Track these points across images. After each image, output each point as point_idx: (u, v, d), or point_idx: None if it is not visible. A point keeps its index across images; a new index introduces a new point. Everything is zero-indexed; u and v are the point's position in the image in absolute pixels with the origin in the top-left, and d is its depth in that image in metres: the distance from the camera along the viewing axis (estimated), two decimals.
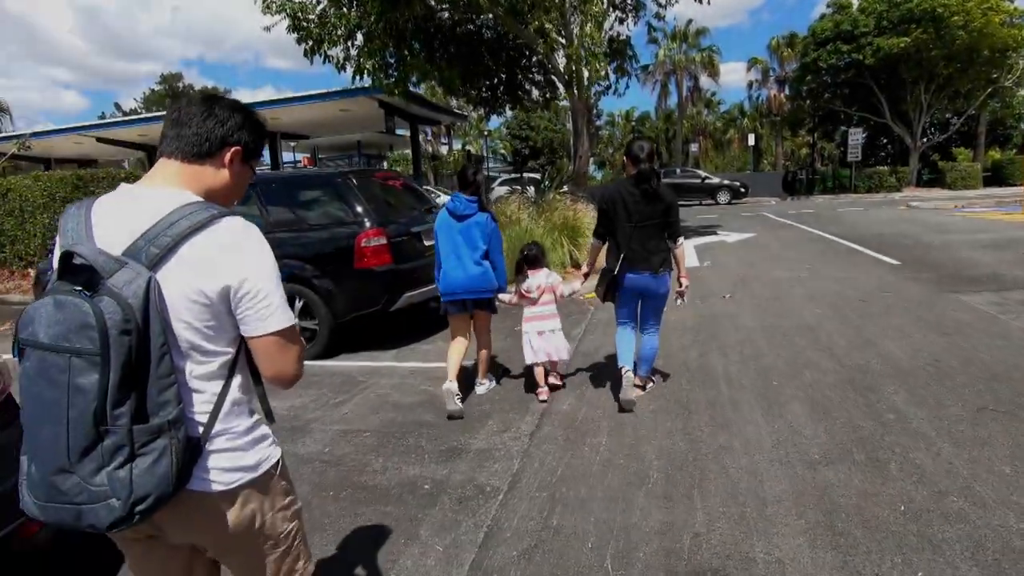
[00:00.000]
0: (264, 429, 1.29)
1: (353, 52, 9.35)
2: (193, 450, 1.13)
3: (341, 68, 9.18)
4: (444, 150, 39.41)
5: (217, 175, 1.24)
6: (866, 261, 8.43)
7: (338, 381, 4.79)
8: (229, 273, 1.12)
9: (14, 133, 15.57)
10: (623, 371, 3.75)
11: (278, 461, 1.30)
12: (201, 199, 1.18)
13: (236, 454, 1.20)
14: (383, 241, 5.40)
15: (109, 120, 15.13)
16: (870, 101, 26.72)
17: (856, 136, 25.72)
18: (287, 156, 26.47)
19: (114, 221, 1.12)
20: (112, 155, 19.54)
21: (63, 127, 15.26)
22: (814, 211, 18.26)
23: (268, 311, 1.17)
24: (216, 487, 1.17)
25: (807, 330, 5.13)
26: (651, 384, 4.06)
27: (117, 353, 1.00)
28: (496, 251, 4.04)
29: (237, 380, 1.22)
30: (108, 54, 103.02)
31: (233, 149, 1.24)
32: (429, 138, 40.24)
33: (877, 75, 25.09)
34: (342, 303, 5.44)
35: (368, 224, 5.38)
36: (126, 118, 15.06)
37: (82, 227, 1.12)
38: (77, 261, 1.04)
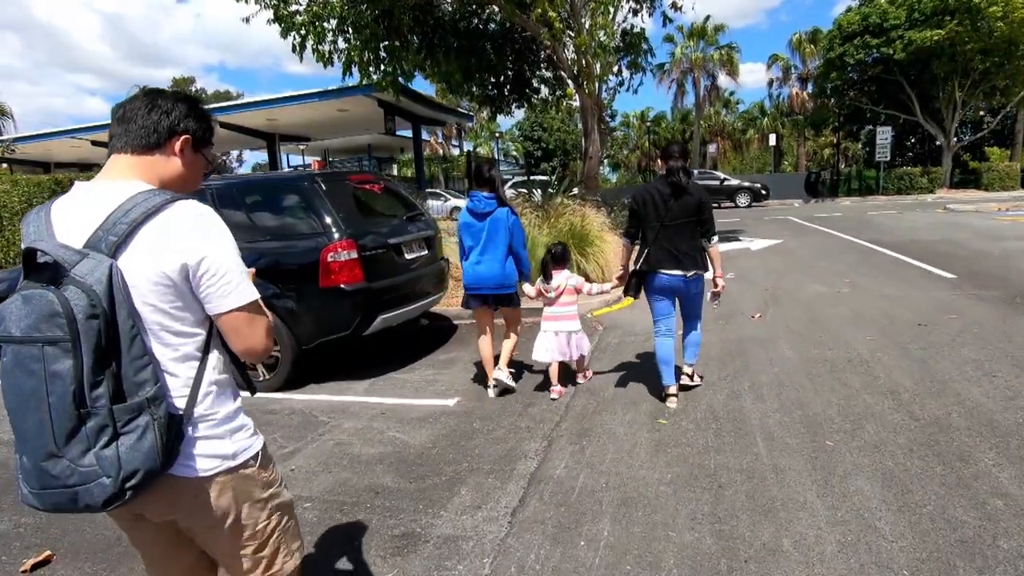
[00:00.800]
0: (244, 419, 1.31)
1: (343, 45, 8.61)
2: (177, 426, 1.16)
3: (328, 63, 8.45)
4: (456, 152, 38.77)
5: (169, 164, 1.27)
6: (914, 274, 7.45)
7: (295, 422, 4.03)
8: (186, 253, 1.14)
9: (2, 138, 15.11)
10: (667, 391, 3.76)
11: (258, 452, 1.32)
12: (153, 187, 1.21)
13: (215, 442, 1.23)
14: (353, 255, 4.63)
15: (101, 123, 14.56)
16: (899, 98, 25.41)
17: (884, 135, 24.50)
18: (296, 159, 26.08)
19: (73, 217, 1.15)
20: None
21: (55, 130, 14.79)
22: (842, 214, 17.18)
23: (229, 287, 1.19)
24: (193, 472, 1.20)
25: (860, 364, 4.23)
26: (697, 375, 4.09)
27: (87, 337, 1.04)
28: (519, 243, 4.12)
29: (212, 362, 1.25)
30: (133, 61, 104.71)
31: (182, 137, 1.27)
32: (440, 140, 39.63)
33: (907, 71, 23.81)
34: (307, 327, 4.68)
35: (336, 235, 4.61)
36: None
37: (43, 227, 1.15)
38: (41, 259, 1.08)
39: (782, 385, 3.95)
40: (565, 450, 3.29)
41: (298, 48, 8.25)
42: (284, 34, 8.07)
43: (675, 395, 3.73)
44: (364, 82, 9.15)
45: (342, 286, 4.58)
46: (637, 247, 3.83)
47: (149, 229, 1.13)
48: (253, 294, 1.24)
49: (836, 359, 4.37)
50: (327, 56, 8.45)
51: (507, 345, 4.27)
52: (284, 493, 1.41)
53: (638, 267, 3.71)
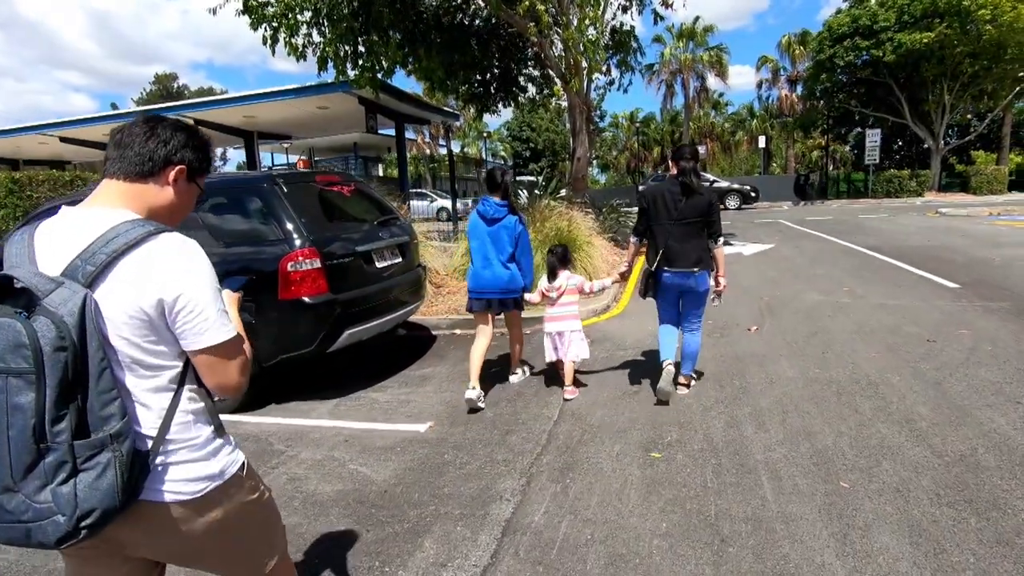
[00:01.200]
0: (224, 437, 1.30)
1: (318, 39, 8.15)
2: (142, 463, 1.13)
3: (301, 57, 7.99)
4: (443, 151, 38.29)
5: (161, 193, 1.25)
6: (915, 282, 7.15)
7: (248, 451, 3.61)
8: (164, 288, 1.12)
9: None
10: (664, 364, 3.83)
11: (243, 464, 1.33)
12: (139, 217, 1.19)
13: (199, 464, 1.22)
14: (316, 264, 4.23)
15: (71, 118, 13.92)
16: (888, 101, 25.37)
17: (874, 138, 24.43)
18: (281, 157, 25.49)
19: (55, 243, 1.13)
20: (86, 156, 18.47)
21: (20, 126, 14.14)
22: (833, 217, 16.98)
23: (205, 325, 1.17)
24: (181, 497, 1.19)
25: (869, 387, 3.88)
26: (694, 382, 4.04)
27: (52, 371, 1.01)
28: (523, 252, 4.16)
29: (188, 392, 1.22)
30: (120, 58, 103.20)
31: (177, 168, 1.26)
32: (428, 139, 39.13)
33: (896, 73, 23.75)
34: (265, 344, 4.25)
35: (298, 242, 4.21)
36: (89, 116, 13.81)
37: (24, 252, 1.13)
38: (17, 284, 1.05)
39: (785, 411, 3.59)
40: (546, 490, 2.91)
41: (269, 41, 7.78)
42: (254, 26, 7.59)
43: (672, 366, 3.80)
44: (340, 79, 8.70)
45: (304, 298, 4.18)
46: (644, 246, 3.94)
47: (129, 261, 1.10)
48: (229, 333, 1.21)
49: (842, 380, 4.02)
50: (300, 50, 7.99)
51: (515, 348, 4.50)
52: (266, 490, 1.43)
53: (651, 267, 3.77)
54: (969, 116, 27.91)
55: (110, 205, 1.19)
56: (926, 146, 26.43)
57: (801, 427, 3.36)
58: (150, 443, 1.15)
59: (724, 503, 2.66)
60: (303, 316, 4.22)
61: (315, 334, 4.29)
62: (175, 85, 45.18)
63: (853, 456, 2.98)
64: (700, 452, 3.16)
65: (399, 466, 3.29)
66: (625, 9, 11.07)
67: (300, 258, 4.17)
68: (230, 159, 46.05)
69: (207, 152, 1.34)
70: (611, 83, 11.62)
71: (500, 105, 12.88)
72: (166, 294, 1.12)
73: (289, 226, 4.26)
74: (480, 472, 3.14)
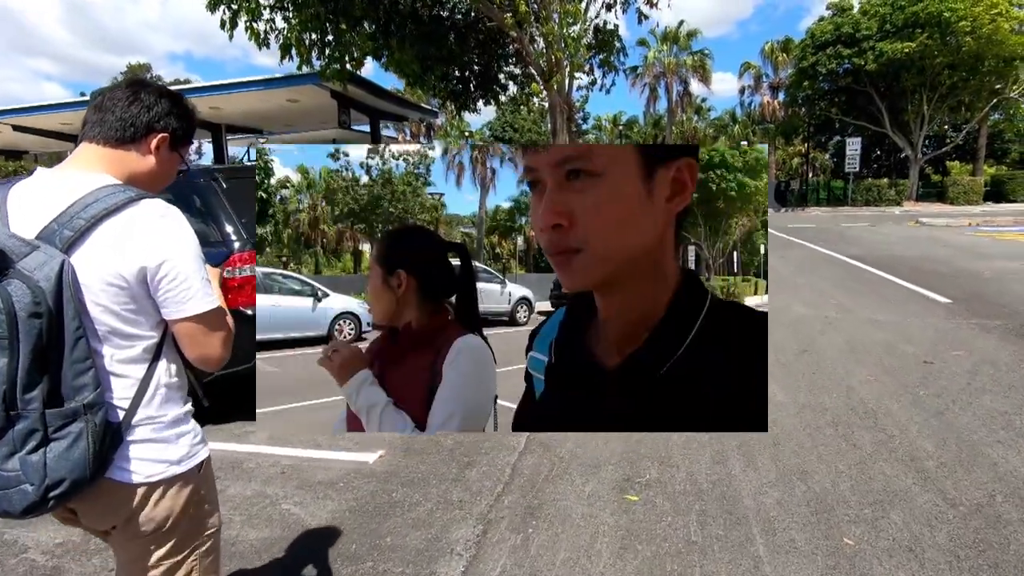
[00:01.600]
0: (193, 424, 1.26)
1: (281, 24, 7.64)
2: (113, 435, 1.10)
3: (264, 44, 7.46)
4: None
5: (142, 161, 1.21)
6: (905, 296, 6.89)
7: None
8: (146, 255, 1.08)
9: None
10: None
11: (203, 462, 1.26)
12: (119, 182, 1.14)
13: (160, 446, 1.17)
14: (258, 270, 3.76)
15: (21, 106, 13.07)
16: (868, 110, 25.55)
17: (854, 146, 24.55)
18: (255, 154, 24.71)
19: (30, 205, 1.09)
20: (45, 147, 17.59)
21: None
22: (815, 226, 16.89)
23: (188, 294, 1.13)
24: (136, 478, 1.14)
25: (866, 415, 3.54)
26: None
27: (26, 337, 0.97)
28: None
29: (162, 365, 1.18)
30: (95, 47, 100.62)
31: (160, 135, 1.21)
32: (408, 138, 38.52)
33: (877, 82, 23.91)
34: None
35: (237, 245, 3.75)
36: (40, 103, 12.95)
37: None
38: None
39: (777, 444, 3.23)
40: (505, 541, 2.49)
41: (228, 25, 7.23)
42: (211, 7, 7.04)
43: None
44: (304, 69, 8.19)
45: (242, 309, 3.72)
46: None
47: (108, 227, 1.05)
48: (213, 303, 1.16)
49: (837, 408, 3.68)
50: (262, 36, 7.46)
51: None
52: (217, 517, 1.33)
53: None
54: (946, 127, 28.28)
55: (89, 169, 1.13)
56: (903, 155, 26.68)
57: (795, 465, 2.99)
58: (121, 415, 1.11)
59: (711, 564, 2.26)
60: (241, 329, 3.75)
61: (255, 349, 3.83)
62: (148, 76, 43.83)
63: (856, 503, 2.61)
64: (682, 495, 2.77)
65: (338, 507, 2.85)
66: (609, 7, 10.76)
67: (238, 263, 3.72)
68: (205, 153, 44.93)
69: (192, 121, 1.28)
70: (593, 83, 11.36)
71: (480, 103, 12.47)
72: (149, 261, 1.08)
73: (228, 228, 3.81)
74: (431, 517, 2.72)
